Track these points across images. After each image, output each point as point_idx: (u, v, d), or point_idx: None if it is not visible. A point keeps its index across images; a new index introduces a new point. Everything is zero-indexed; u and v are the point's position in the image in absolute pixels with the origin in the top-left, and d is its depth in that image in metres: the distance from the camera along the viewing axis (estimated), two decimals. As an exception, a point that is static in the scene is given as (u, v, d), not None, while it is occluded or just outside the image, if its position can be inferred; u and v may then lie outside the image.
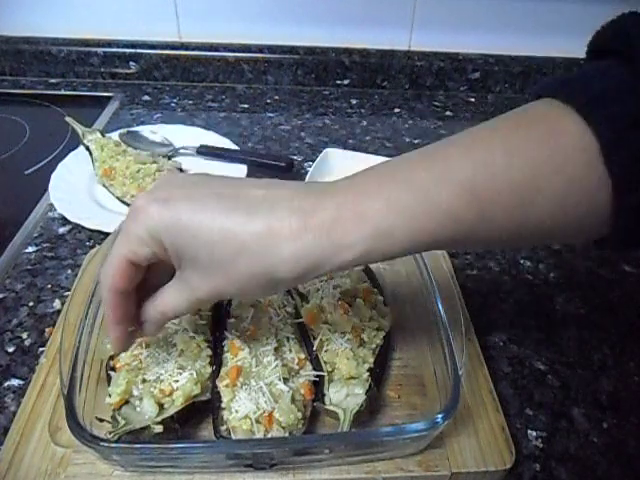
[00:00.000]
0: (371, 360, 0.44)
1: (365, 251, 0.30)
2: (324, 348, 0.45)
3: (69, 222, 0.65)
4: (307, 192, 0.32)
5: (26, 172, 0.77)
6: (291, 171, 0.77)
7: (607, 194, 0.29)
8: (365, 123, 0.95)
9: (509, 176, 0.29)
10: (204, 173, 0.36)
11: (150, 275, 0.36)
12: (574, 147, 0.29)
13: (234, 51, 1.03)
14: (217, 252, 0.31)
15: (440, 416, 0.36)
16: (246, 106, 0.99)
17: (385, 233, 0.30)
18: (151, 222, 0.31)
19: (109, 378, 0.42)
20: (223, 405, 0.40)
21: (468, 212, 0.30)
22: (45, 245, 0.63)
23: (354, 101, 1.03)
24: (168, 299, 0.35)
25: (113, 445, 0.35)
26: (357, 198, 0.31)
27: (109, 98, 0.99)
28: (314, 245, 0.30)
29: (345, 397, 0.42)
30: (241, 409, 0.38)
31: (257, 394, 0.39)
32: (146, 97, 1.01)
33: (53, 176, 0.71)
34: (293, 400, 0.40)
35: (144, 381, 0.41)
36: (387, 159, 0.34)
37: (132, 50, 1.02)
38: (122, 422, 0.38)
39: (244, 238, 0.30)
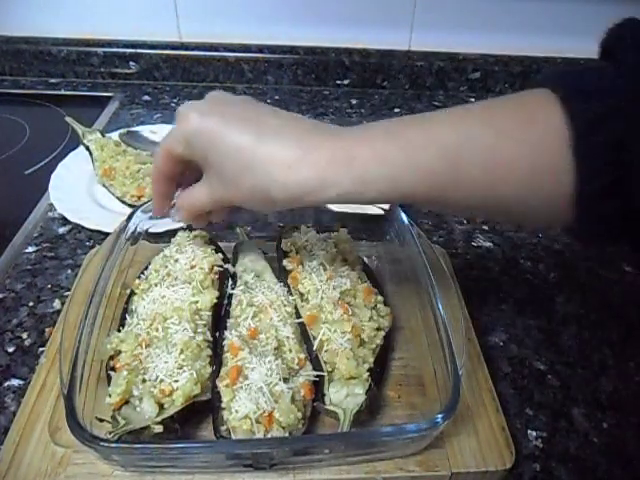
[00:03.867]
0: (371, 360, 0.44)
1: (347, 191, 0.35)
2: (324, 348, 0.45)
3: (69, 222, 0.65)
4: (314, 131, 0.36)
5: (26, 172, 0.77)
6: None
7: (570, 181, 0.31)
8: (365, 123, 0.95)
9: (486, 152, 0.33)
10: (247, 97, 0.41)
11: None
12: (549, 133, 0.31)
13: (234, 51, 1.03)
14: (230, 164, 0.36)
15: (440, 416, 0.36)
16: (246, 106, 0.99)
17: (368, 178, 0.34)
18: (187, 127, 0.38)
19: (109, 378, 0.42)
20: (223, 405, 0.40)
21: (443, 174, 0.33)
22: (45, 245, 0.63)
23: (354, 101, 1.03)
24: (195, 193, 0.41)
25: (113, 445, 0.35)
26: (351, 144, 0.35)
27: (109, 98, 0.99)
28: (306, 177, 0.35)
29: (345, 397, 0.42)
30: (241, 409, 0.38)
31: (257, 394, 0.39)
32: (146, 97, 1.01)
33: (53, 176, 0.71)
34: (293, 400, 0.40)
35: (144, 381, 0.41)
36: None
37: (132, 50, 1.02)
38: (122, 422, 0.38)
39: (251, 157, 0.35)
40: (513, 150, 0.32)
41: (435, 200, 0.35)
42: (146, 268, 0.52)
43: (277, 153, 0.35)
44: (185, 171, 0.43)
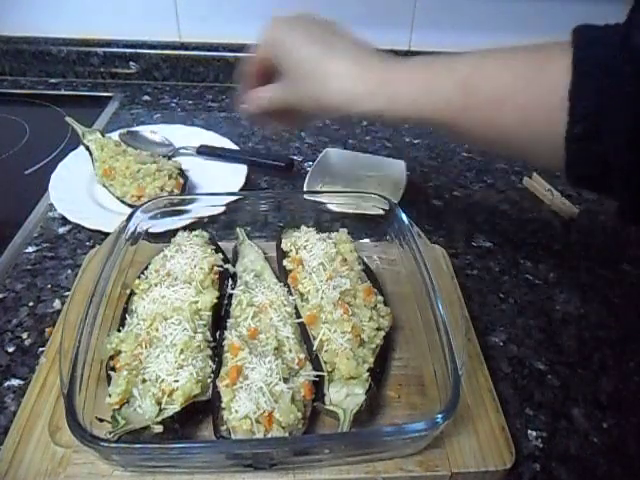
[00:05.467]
0: (371, 360, 0.44)
1: (382, 106, 0.43)
2: (324, 348, 0.45)
3: (69, 222, 0.65)
4: (369, 55, 0.46)
5: (26, 172, 0.77)
6: (291, 171, 0.77)
7: (563, 121, 0.35)
8: (365, 123, 0.95)
9: (492, 84, 0.39)
10: (329, 21, 0.49)
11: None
12: (554, 75, 0.35)
13: (234, 51, 1.02)
14: (298, 70, 0.47)
15: (440, 416, 0.36)
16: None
17: (396, 98, 0.43)
18: (270, 35, 0.49)
19: (109, 378, 0.42)
20: (223, 405, 0.40)
21: (455, 100, 0.40)
22: (45, 245, 0.63)
23: (354, 101, 1.03)
24: (269, 88, 0.51)
25: (113, 445, 0.35)
26: (394, 69, 0.44)
27: (109, 98, 0.99)
28: (354, 89, 0.44)
29: (345, 397, 0.42)
30: (241, 409, 0.38)
31: (257, 394, 0.39)
32: (146, 97, 1.01)
33: (53, 176, 0.71)
34: (293, 400, 0.40)
35: (144, 381, 0.41)
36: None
37: (132, 50, 1.02)
38: (122, 422, 0.38)
39: (314, 68, 0.45)
40: (515, 85, 0.37)
41: (447, 124, 0.42)
42: (146, 268, 0.52)
43: (335, 68, 0.45)
44: (268, 77, 0.51)
